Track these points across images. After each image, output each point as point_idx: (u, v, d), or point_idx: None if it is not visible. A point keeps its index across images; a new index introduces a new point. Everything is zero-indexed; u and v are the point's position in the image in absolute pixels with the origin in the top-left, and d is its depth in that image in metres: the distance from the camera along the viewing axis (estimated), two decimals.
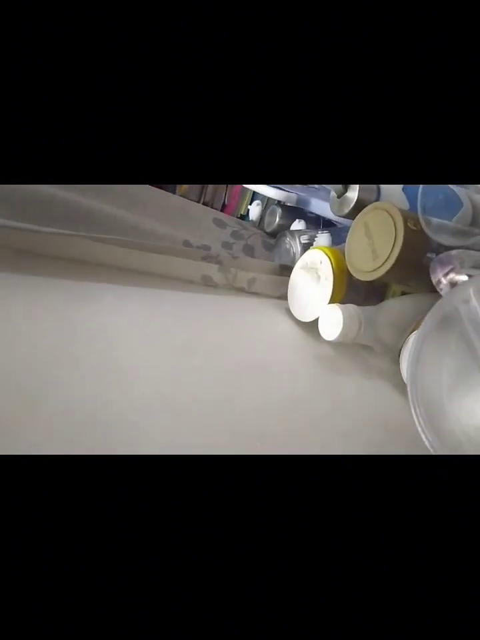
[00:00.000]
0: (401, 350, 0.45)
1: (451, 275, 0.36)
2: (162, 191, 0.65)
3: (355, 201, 0.49)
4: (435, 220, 0.42)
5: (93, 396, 0.34)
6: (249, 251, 0.65)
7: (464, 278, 0.36)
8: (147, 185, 0.63)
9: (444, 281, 0.37)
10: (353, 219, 0.48)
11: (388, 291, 0.53)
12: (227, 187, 0.83)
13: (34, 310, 0.40)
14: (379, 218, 0.44)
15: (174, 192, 0.80)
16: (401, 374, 0.45)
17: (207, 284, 0.56)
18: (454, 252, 0.37)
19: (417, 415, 0.34)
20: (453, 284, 0.36)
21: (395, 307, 0.48)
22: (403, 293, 0.51)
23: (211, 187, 0.82)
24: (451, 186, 0.45)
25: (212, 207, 0.83)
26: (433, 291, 0.42)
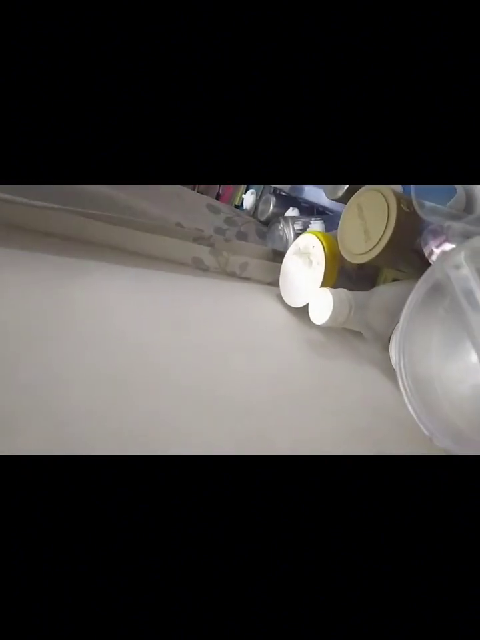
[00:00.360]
0: (390, 337, 0.45)
1: (444, 245, 0.35)
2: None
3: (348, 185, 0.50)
4: (428, 203, 0.41)
5: (80, 365, 0.34)
6: (242, 237, 0.64)
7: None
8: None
9: (436, 251, 0.36)
10: (346, 203, 0.48)
11: (379, 276, 0.53)
12: None
13: (23, 283, 0.39)
14: (373, 199, 0.44)
15: None
16: (390, 361, 0.44)
17: (198, 267, 0.55)
18: (446, 223, 0.37)
19: (405, 388, 0.33)
20: (440, 253, 0.36)
21: (386, 293, 0.48)
22: (395, 280, 0.51)
23: None
24: None
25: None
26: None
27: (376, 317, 0.45)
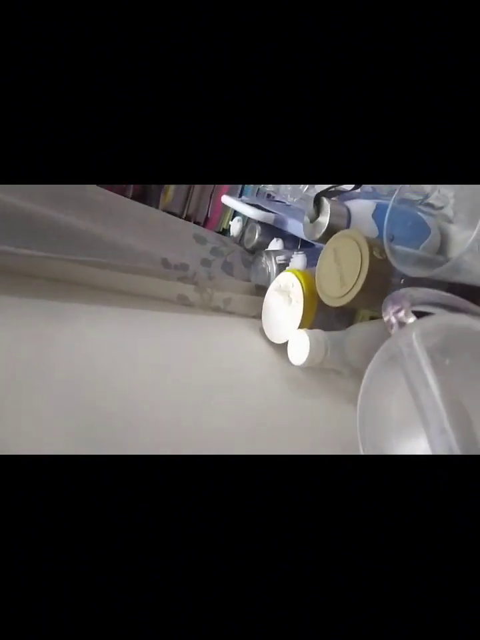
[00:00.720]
0: None
1: (400, 314, 0.36)
2: (143, 205, 0.65)
3: (326, 226, 0.51)
4: (400, 249, 0.42)
5: (60, 413, 0.35)
6: (228, 267, 0.66)
7: (412, 318, 0.36)
8: (128, 200, 0.63)
9: (393, 320, 0.37)
10: (325, 243, 0.49)
11: (357, 313, 0.54)
12: (210, 200, 0.83)
13: (8, 329, 0.41)
14: (347, 245, 0.45)
15: (157, 204, 0.80)
16: None
17: (184, 303, 0.56)
18: (403, 291, 0.38)
19: (365, 453, 0.33)
20: (401, 323, 0.36)
21: (361, 332, 0.49)
22: (372, 317, 0.53)
23: (194, 199, 0.82)
24: (420, 213, 0.45)
25: (195, 220, 0.83)
26: None
27: (353, 355, 0.47)
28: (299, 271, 0.54)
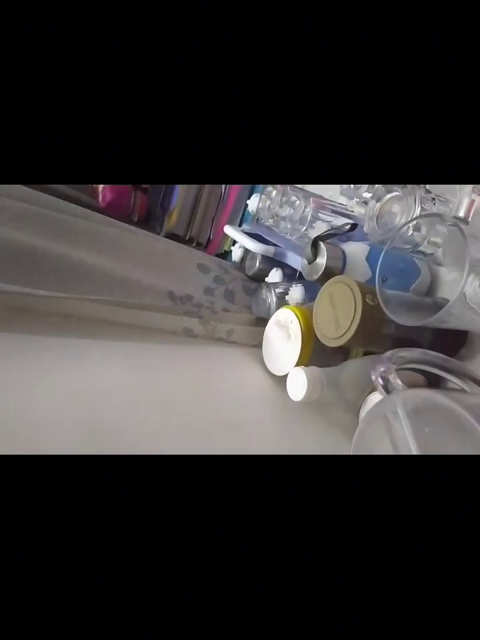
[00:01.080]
0: (360, 407, 0.50)
1: (386, 375, 0.40)
2: (147, 235, 0.69)
3: (323, 268, 0.54)
4: (391, 293, 0.45)
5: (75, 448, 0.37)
6: (230, 296, 0.70)
7: (397, 381, 0.39)
8: (135, 231, 0.67)
9: (380, 381, 0.40)
10: (322, 284, 0.52)
11: (351, 349, 0.58)
12: (212, 223, 0.84)
13: (23, 370, 0.44)
14: (342, 290, 0.49)
15: (162, 227, 0.81)
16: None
17: (189, 335, 0.61)
18: (389, 353, 0.41)
19: None
20: (387, 383, 0.39)
21: (355, 368, 0.52)
22: (366, 352, 0.56)
23: (197, 222, 0.83)
24: (412, 255, 0.47)
25: (197, 242, 0.85)
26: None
27: (347, 390, 0.50)
28: (297, 308, 0.58)
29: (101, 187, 0.78)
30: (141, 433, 0.43)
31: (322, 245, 0.55)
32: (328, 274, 0.54)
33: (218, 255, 0.84)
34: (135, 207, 0.79)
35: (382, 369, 0.40)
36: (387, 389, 0.39)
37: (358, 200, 0.57)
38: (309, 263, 0.56)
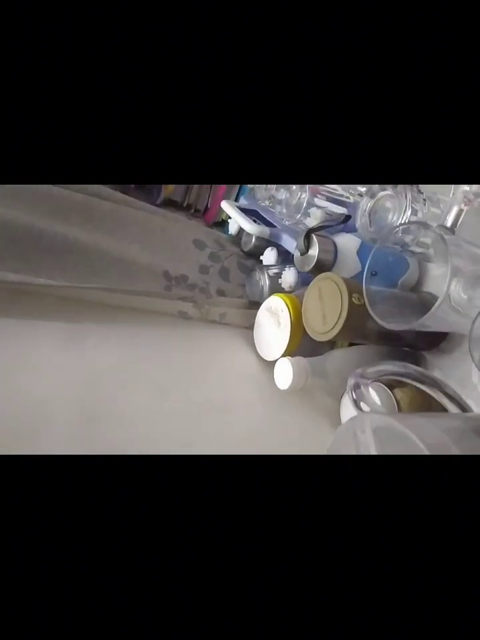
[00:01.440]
0: (342, 395, 0.53)
1: (359, 390, 0.42)
2: (144, 207, 0.69)
3: (315, 259, 0.55)
4: (378, 291, 0.46)
5: (76, 440, 0.39)
6: (225, 273, 0.70)
7: (372, 393, 0.43)
8: (130, 202, 0.67)
9: (354, 395, 0.43)
10: (314, 275, 0.53)
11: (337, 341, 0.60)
12: (210, 190, 0.83)
13: (24, 356, 0.45)
14: (330, 287, 0.50)
15: (159, 193, 0.81)
16: (339, 413, 0.53)
17: (183, 317, 0.63)
18: (361, 370, 0.43)
19: None
20: (360, 397, 0.42)
21: (339, 358, 0.55)
22: (351, 343, 0.57)
23: (194, 189, 0.83)
24: (402, 250, 0.47)
25: (195, 208, 0.85)
26: (376, 343, 0.52)
27: (331, 378, 0.52)
28: (288, 297, 0.59)
29: None
30: (135, 414, 0.44)
31: (314, 237, 0.56)
32: (319, 266, 0.55)
33: (215, 224, 0.84)
34: None
35: (356, 385, 0.42)
36: (358, 403, 0.42)
37: (353, 192, 0.57)
38: (302, 254, 0.57)
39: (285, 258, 0.68)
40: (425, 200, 0.47)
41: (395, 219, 0.47)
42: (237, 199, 0.83)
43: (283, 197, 0.65)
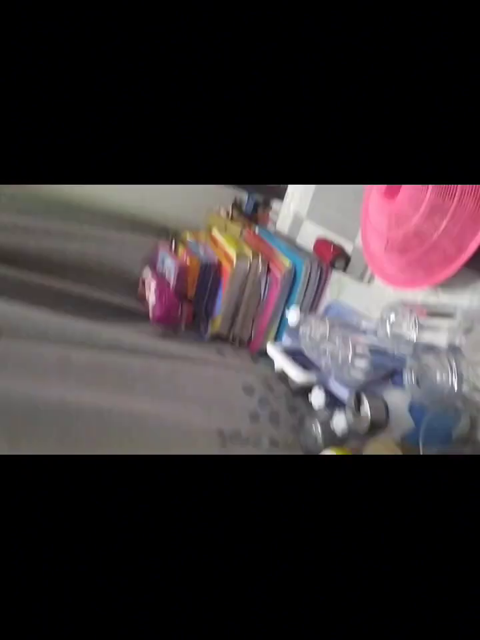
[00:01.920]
0: None
1: None
2: (196, 361, 0.69)
3: (369, 420, 0.55)
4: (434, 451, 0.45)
5: None
6: (275, 418, 0.69)
7: None
8: (184, 357, 0.69)
9: None
10: (371, 435, 0.54)
11: None
12: (252, 323, 0.84)
13: None
14: (384, 451, 0.50)
15: (206, 330, 0.83)
16: None
17: None
18: None
19: None
20: None
21: None
22: None
23: (238, 324, 0.83)
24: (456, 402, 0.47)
25: (240, 340, 0.85)
26: None
27: None
28: (343, 451, 0.58)
29: (150, 304, 0.79)
30: None
31: (364, 396, 0.57)
32: (374, 425, 0.55)
33: (260, 352, 0.84)
34: (182, 317, 0.82)
35: None
36: None
37: (396, 345, 0.56)
38: (353, 413, 0.58)
39: (333, 399, 0.67)
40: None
41: (443, 379, 0.45)
42: (277, 333, 0.83)
43: (327, 348, 0.62)
